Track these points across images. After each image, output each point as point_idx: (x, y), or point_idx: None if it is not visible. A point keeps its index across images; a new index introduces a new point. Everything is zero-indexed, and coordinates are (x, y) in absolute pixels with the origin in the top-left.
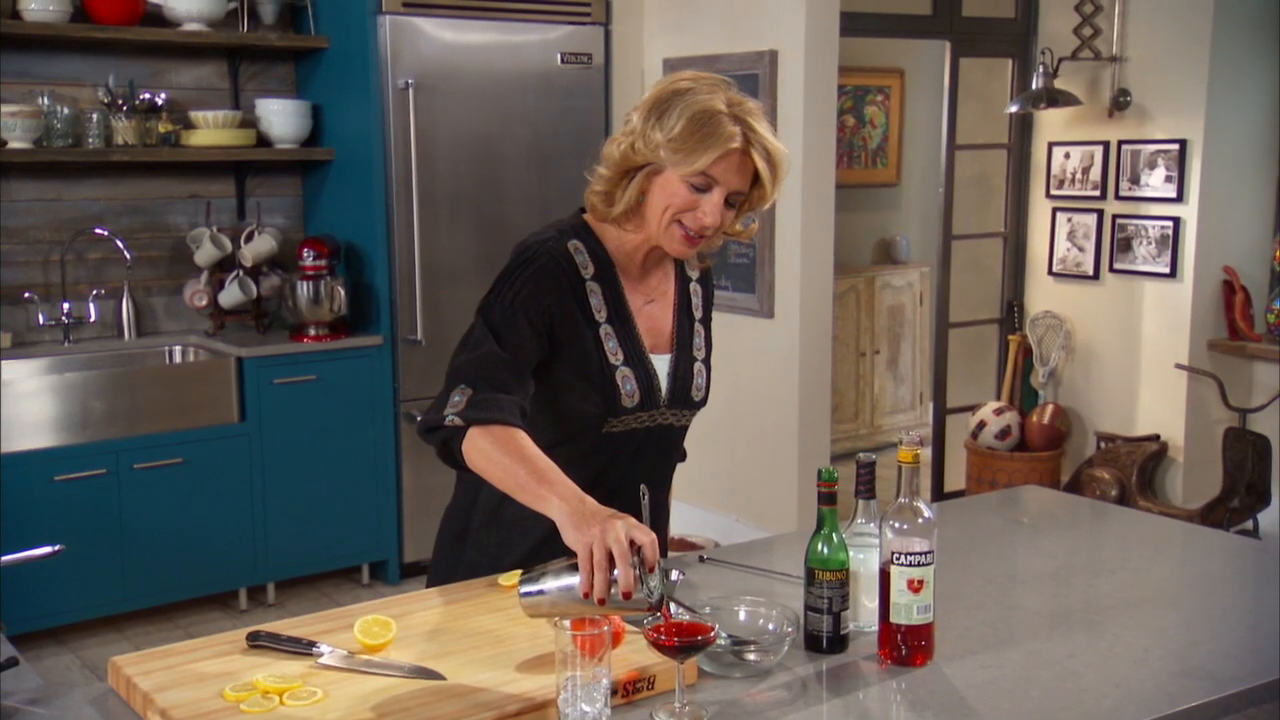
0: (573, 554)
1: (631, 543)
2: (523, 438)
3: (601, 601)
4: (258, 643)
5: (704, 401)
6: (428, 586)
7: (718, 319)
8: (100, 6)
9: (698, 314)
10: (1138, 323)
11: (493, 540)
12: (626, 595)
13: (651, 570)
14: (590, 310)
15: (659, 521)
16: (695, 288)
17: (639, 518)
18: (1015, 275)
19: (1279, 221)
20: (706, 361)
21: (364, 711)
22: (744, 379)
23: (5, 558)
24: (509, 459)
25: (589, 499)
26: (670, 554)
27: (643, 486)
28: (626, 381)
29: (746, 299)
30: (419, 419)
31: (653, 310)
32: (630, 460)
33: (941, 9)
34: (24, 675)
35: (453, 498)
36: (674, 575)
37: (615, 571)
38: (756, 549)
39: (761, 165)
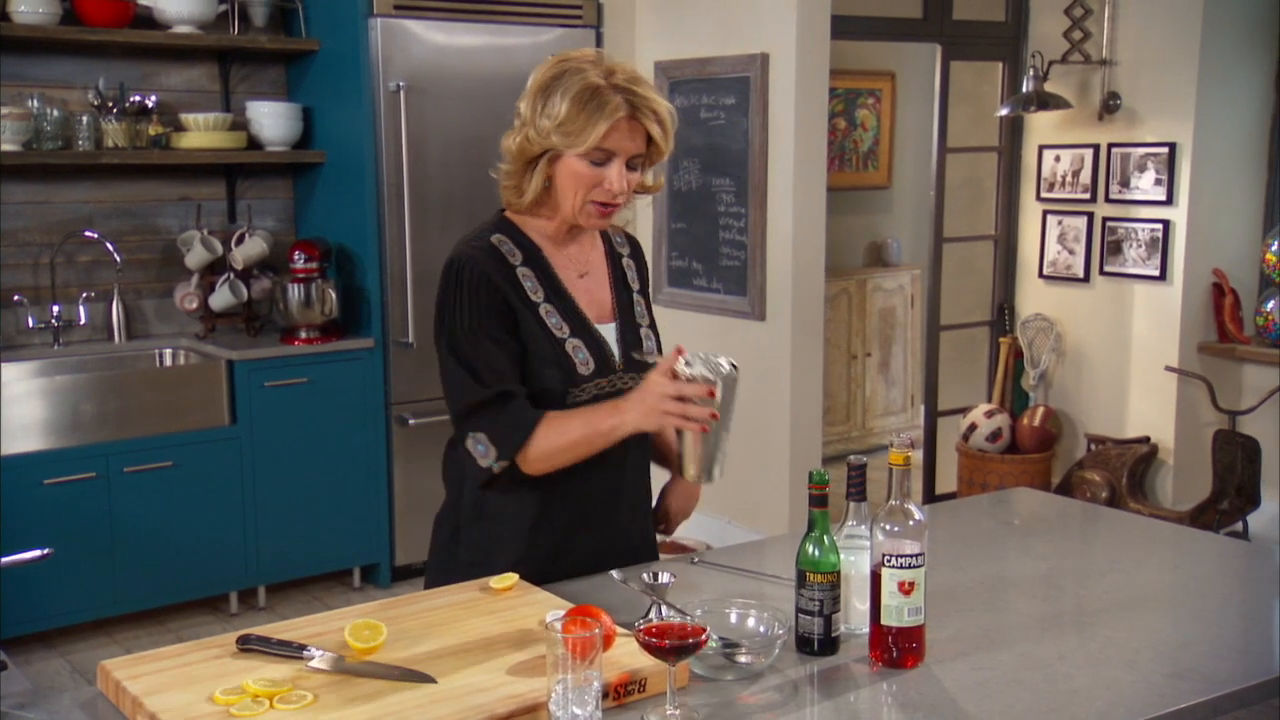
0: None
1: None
2: (549, 420)
3: (715, 416)
4: (248, 646)
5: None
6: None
7: (707, 320)
8: (90, 9)
9: (634, 285)
10: (1128, 325)
11: (481, 536)
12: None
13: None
14: (526, 293)
15: (645, 485)
16: (628, 262)
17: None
18: (1006, 278)
19: (1268, 224)
20: (653, 327)
21: (354, 715)
22: None
23: None
24: (564, 439)
25: (615, 403)
26: (662, 556)
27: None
28: (578, 351)
29: (738, 301)
30: (471, 487)
31: (588, 284)
32: None
33: (932, 12)
34: (13, 679)
35: (443, 502)
36: (665, 577)
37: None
38: (748, 551)
39: (652, 127)
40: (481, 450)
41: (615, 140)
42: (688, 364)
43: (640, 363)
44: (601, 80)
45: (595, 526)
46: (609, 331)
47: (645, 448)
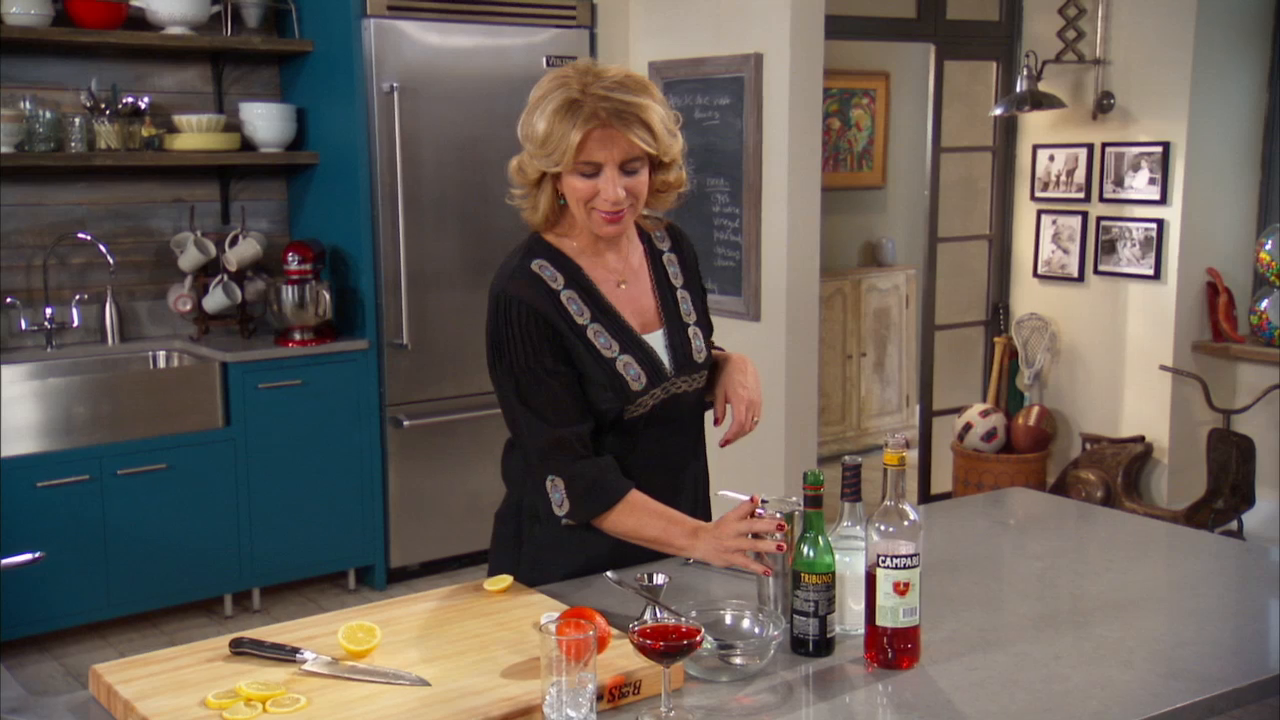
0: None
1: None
2: (630, 505)
3: (781, 548)
4: (241, 649)
5: (707, 362)
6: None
7: None
8: (83, 10)
9: (677, 282)
10: (1122, 324)
11: (545, 536)
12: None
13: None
14: (572, 317)
15: (703, 490)
16: (670, 257)
17: (692, 486)
18: (1000, 277)
19: (1262, 223)
20: (701, 324)
21: (348, 718)
22: None
23: None
24: (633, 533)
25: (695, 526)
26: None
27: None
28: (629, 368)
29: (733, 301)
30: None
31: (630, 293)
32: (660, 433)
33: (926, 12)
34: (6, 683)
35: (503, 499)
36: (659, 579)
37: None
38: None
39: (635, 131)
40: (558, 499)
41: (594, 151)
42: (762, 513)
43: (698, 395)
44: (578, 93)
45: None
46: (657, 339)
47: (700, 453)
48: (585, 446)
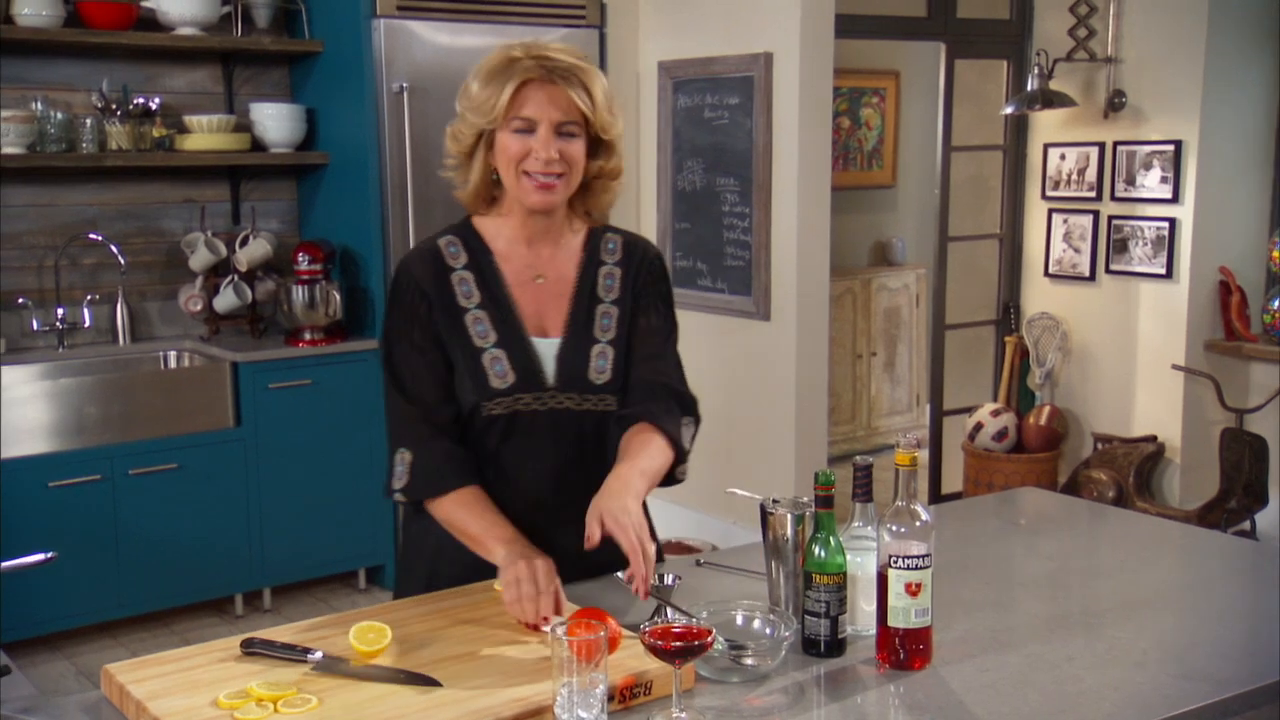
0: None
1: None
2: (461, 498)
3: (535, 626)
4: (252, 650)
5: (612, 386)
6: (396, 584)
7: (711, 320)
8: (94, 11)
9: (606, 297)
10: (1134, 324)
11: (418, 537)
12: (545, 619)
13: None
14: (456, 298)
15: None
16: (612, 270)
17: (551, 504)
18: (1011, 277)
19: (1275, 222)
20: (615, 344)
21: (359, 718)
22: (740, 381)
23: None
24: (458, 525)
25: (510, 538)
26: (667, 558)
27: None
28: (496, 363)
29: (743, 301)
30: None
31: (542, 292)
32: (524, 442)
33: (936, 11)
34: (17, 683)
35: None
36: (670, 579)
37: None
38: (753, 552)
39: (572, 90)
40: (399, 472)
41: (532, 106)
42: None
43: (597, 420)
44: (517, 53)
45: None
46: (548, 346)
47: (597, 485)
48: (440, 428)
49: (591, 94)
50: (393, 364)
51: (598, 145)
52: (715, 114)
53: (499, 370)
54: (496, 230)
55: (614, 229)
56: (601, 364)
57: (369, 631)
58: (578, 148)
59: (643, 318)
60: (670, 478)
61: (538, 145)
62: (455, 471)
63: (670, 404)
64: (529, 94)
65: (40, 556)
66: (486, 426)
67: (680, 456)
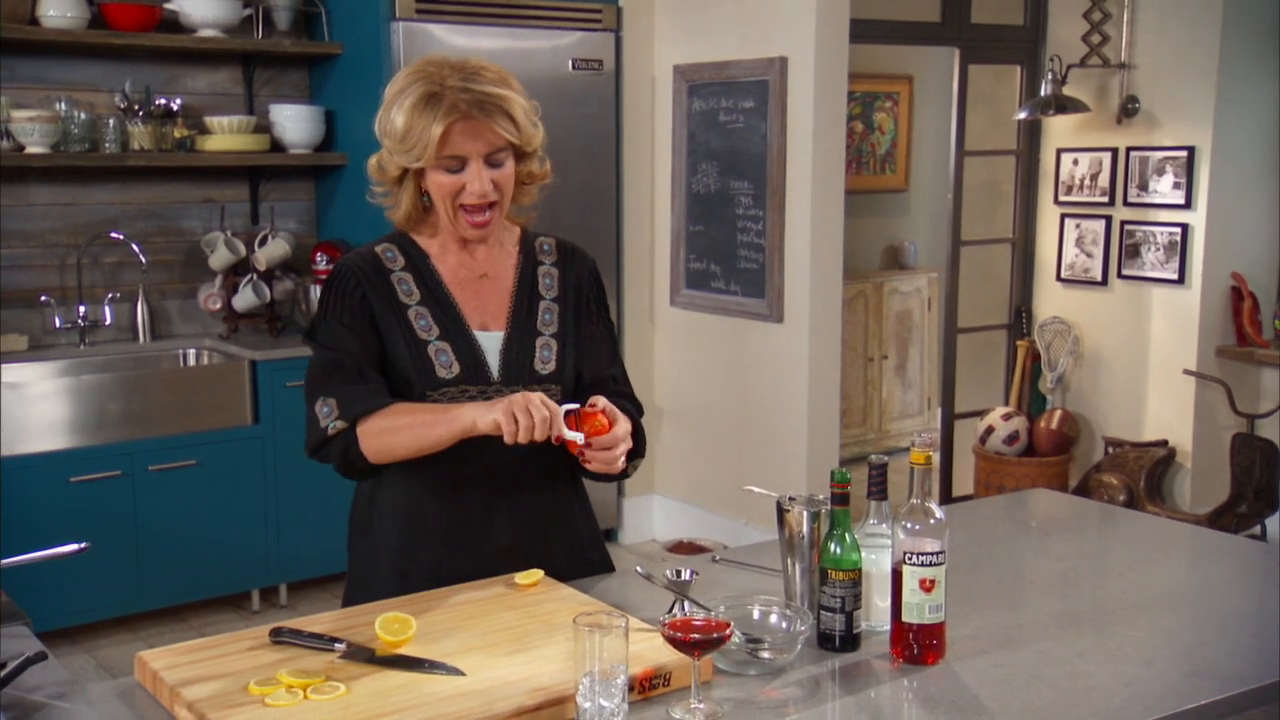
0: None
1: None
2: (405, 404)
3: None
4: (280, 639)
5: (556, 377)
6: (347, 588)
7: (724, 322)
8: (117, 13)
9: (547, 294)
10: (1146, 328)
11: (365, 551)
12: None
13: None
14: (398, 295)
15: (572, 514)
16: (549, 270)
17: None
18: (1024, 281)
19: None
20: (559, 336)
21: (386, 706)
22: (753, 383)
23: (32, 555)
24: (406, 418)
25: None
26: (681, 556)
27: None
28: (441, 354)
29: (755, 304)
30: (361, 503)
31: (484, 290)
32: (479, 440)
33: (950, 16)
34: (52, 669)
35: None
36: (688, 574)
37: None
38: (768, 549)
39: (499, 122)
40: (326, 411)
41: (459, 144)
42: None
43: (520, 380)
44: (437, 86)
45: (471, 544)
46: (492, 340)
47: (547, 485)
48: (364, 377)
49: (515, 119)
50: (317, 341)
51: (522, 155)
52: (730, 117)
53: (444, 361)
54: (428, 242)
55: (541, 233)
56: (546, 354)
57: (394, 622)
58: (508, 173)
59: (588, 325)
60: (622, 474)
61: (470, 179)
62: (383, 393)
63: (633, 412)
64: (455, 131)
65: (74, 547)
66: None
67: (638, 449)
